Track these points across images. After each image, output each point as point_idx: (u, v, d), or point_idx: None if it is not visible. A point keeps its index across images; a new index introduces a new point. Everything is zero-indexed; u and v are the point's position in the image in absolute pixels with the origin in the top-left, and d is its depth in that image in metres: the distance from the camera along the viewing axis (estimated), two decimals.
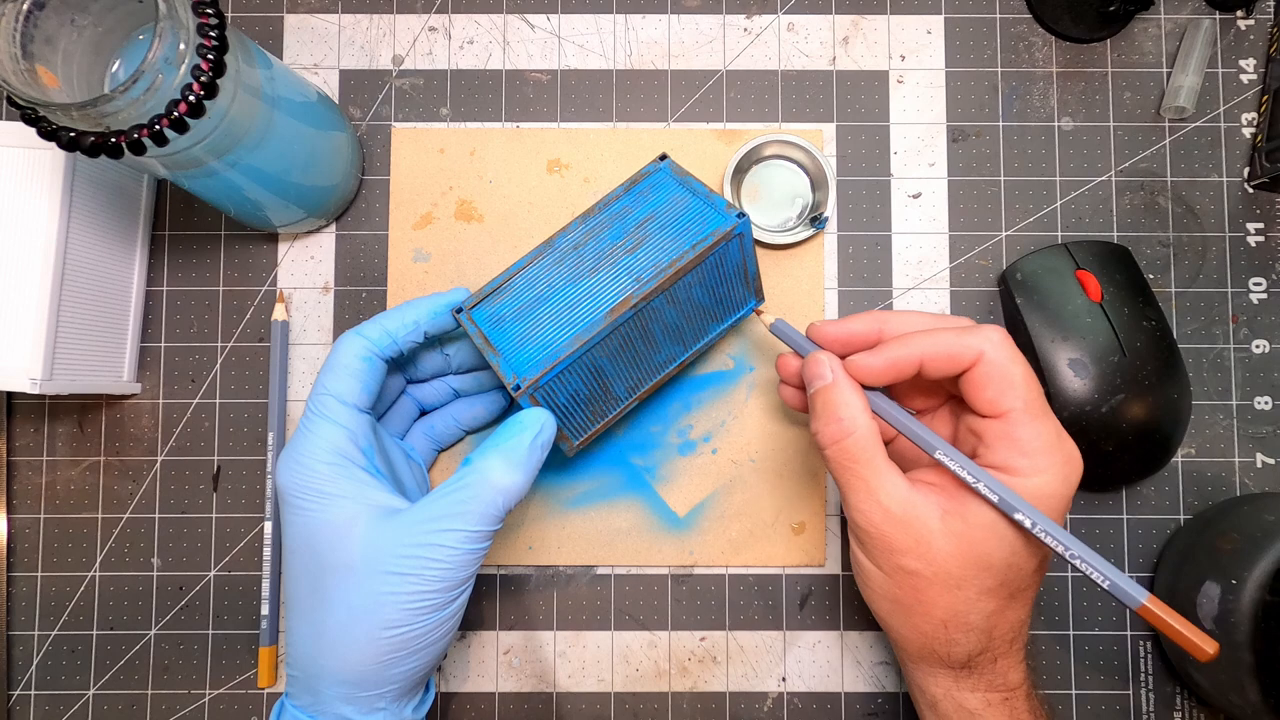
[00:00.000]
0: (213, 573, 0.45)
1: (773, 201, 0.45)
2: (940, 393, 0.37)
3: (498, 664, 0.44)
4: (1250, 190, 0.46)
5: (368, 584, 0.32)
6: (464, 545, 0.32)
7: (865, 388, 0.34)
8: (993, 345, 0.32)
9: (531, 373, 0.33)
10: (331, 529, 0.33)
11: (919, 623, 0.33)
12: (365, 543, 0.32)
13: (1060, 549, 0.30)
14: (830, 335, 0.35)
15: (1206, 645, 0.29)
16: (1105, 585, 0.30)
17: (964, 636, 0.32)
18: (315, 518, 0.33)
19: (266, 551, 0.44)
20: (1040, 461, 0.31)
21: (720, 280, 0.37)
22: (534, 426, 0.34)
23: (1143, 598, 0.30)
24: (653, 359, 0.38)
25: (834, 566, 0.44)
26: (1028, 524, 0.31)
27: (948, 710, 0.34)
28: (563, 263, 0.36)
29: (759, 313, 0.39)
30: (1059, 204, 0.46)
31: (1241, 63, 0.47)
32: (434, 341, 0.41)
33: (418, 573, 0.32)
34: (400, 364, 0.41)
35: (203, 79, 0.31)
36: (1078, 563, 0.30)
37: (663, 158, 0.38)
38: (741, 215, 0.35)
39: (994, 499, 0.31)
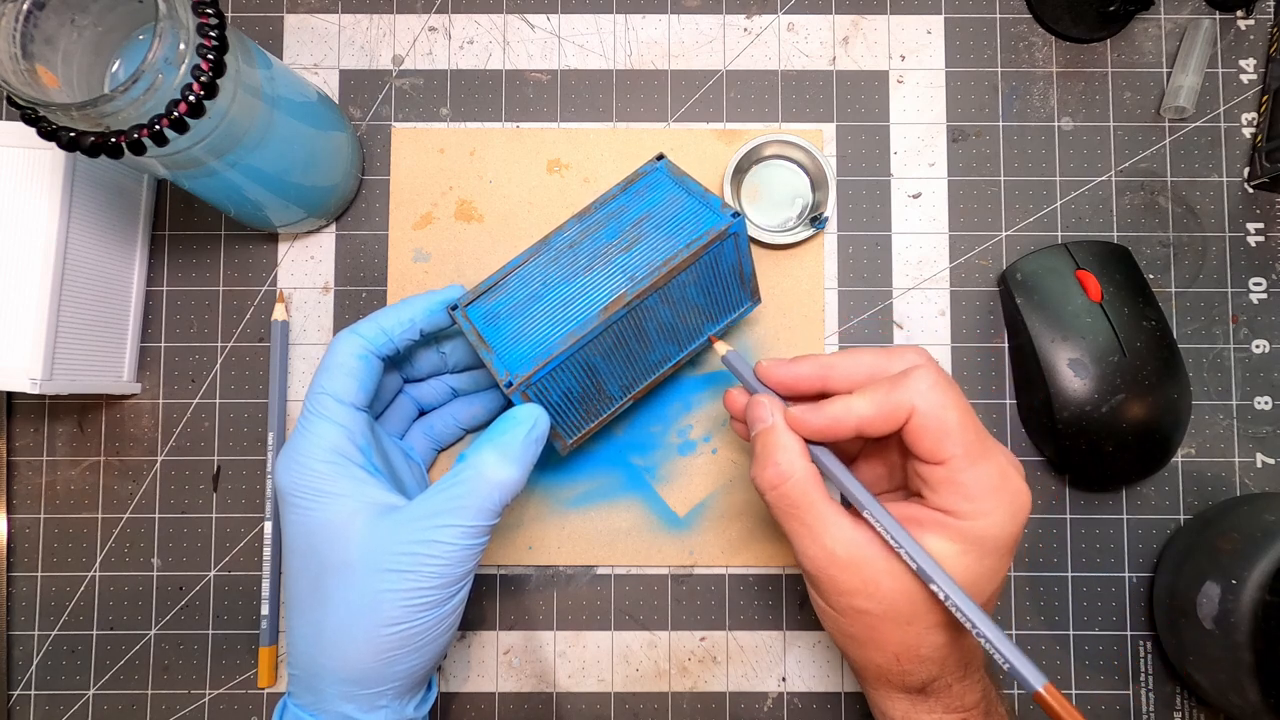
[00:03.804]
0: (213, 573, 0.45)
1: (773, 201, 0.45)
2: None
3: (498, 664, 0.44)
4: (1250, 190, 0.46)
5: (367, 582, 0.32)
6: (461, 541, 0.32)
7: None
8: (922, 396, 0.31)
9: (524, 369, 0.33)
10: (330, 528, 0.33)
11: (872, 655, 0.33)
12: (364, 540, 0.32)
13: (968, 625, 0.30)
14: (776, 378, 0.35)
15: None
16: (1006, 667, 0.30)
17: (917, 667, 0.32)
18: (314, 517, 0.33)
19: (266, 551, 0.44)
20: (984, 504, 0.31)
21: (715, 280, 0.37)
22: (528, 421, 0.34)
23: (1039, 684, 0.30)
24: (647, 358, 0.38)
25: None
26: (940, 596, 0.30)
27: None
28: (558, 260, 0.36)
29: (713, 340, 0.38)
30: (1059, 204, 0.46)
31: (1241, 63, 0.47)
32: (430, 340, 0.41)
33: (416, 569, 0.32)
34: (397, 363, 0.41)
35: (203, 79, 0.31)
36: (983, 642, 0.30)
37: (659, 157, 0.38)
38: (736, 215, 0.35)
39: (914, 566, 0.31)
